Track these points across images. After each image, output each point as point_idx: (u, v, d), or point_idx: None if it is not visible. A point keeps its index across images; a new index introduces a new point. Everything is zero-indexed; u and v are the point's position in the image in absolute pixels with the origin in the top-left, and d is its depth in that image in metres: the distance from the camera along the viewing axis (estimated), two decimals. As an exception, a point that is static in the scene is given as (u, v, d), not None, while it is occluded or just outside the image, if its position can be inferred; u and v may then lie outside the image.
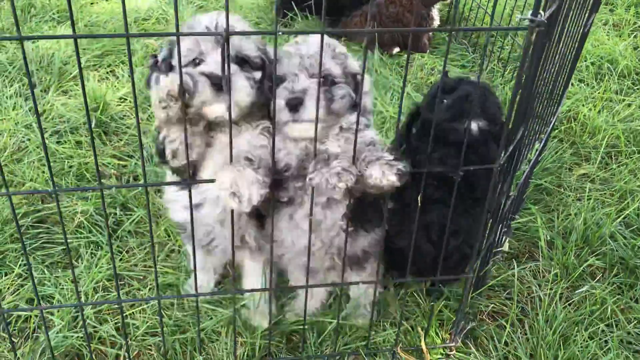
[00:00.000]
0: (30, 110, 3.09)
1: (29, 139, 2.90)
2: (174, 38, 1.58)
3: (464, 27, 2.84)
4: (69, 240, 2.28)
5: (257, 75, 1.74)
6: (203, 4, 4.21)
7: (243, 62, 1.73)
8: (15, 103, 3.13)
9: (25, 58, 1.28)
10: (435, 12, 3.77)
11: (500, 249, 2.35)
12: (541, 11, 1.47)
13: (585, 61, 3.69)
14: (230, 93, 1.52)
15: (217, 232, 1.88)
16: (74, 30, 1.30)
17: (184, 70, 1.52)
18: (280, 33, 1.36)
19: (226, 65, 1.50)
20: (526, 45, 1.49)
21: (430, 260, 1.97)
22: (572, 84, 3.51)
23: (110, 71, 3.46)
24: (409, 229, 1.80)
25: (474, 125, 1.89)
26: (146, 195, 1.53)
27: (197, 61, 1.71)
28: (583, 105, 3.31)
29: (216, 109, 1.65)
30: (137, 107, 1.41)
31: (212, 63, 1.66)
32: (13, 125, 2.97)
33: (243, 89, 1.68)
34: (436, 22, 3.76)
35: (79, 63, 1.34)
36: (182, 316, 2.09)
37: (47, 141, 2.85)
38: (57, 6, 3.97)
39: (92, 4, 4.15)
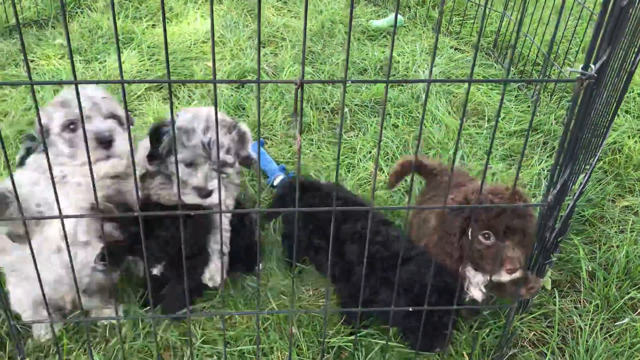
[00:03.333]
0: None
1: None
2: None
3: (516, 79, 2.93)
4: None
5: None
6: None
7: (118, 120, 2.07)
8: (85, 120, 3.37)
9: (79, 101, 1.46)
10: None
11: (542, 279, 2.44)
12: (591, 64, 1.58)
13: (632, 92, 3.74)
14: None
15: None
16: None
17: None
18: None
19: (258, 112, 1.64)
20: (574, 96, 1.60)
21: None
22: (618, 116, 3.56)
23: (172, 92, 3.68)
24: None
25: None
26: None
27: (72, 126, 1.98)
28: (629, 137, 3.36)
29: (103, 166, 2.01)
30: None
31: (98, 123, 1.99)
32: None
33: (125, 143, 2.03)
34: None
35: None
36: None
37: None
38: (121, 28, 4.22)
39: (153, 26, 4.39)
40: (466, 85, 3.85)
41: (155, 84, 3.70)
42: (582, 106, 1.69)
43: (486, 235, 1.93)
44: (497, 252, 1.88)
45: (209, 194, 2.09)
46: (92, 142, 1.95)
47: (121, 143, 2.03)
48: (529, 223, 1.93)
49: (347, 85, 1.49)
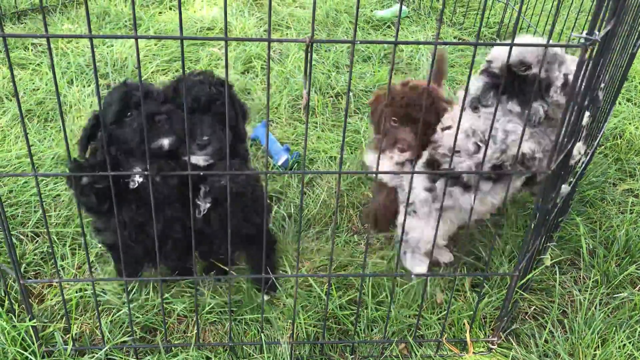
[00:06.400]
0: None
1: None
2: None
3: (519, 43, 2.93)
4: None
5: None
6: (263, 16, 4.46)
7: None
8: (92, 102, 3.41)
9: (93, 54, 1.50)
10: None
11: (543, 257, 2.47)
12: (596, 31, 1.62)
13: (633, 81, 3.78)
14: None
15: None
16: (135, 30, 1.50)
17: None
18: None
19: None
20: (579, 64, 1.64)
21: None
22: (619, 103, 3.60)
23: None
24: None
25: (165, 142, 1.95)
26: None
27: None
28: (630, 124, 3.40)
29: None
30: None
31: None
32: (91, 122, 3.24)
33: None
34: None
35: (138, 60, 1.54)
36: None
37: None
38: (129, 14, 4.26)
39: (160, 13, 4.44)
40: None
41: (166, 64, 3.76)
42: (586, 75, 1.72)
43: (393, 121, 2.30)
44: (394, 133, 2.29)
45: None
46: None
47: None
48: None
49: (356, 45, 1.53)
